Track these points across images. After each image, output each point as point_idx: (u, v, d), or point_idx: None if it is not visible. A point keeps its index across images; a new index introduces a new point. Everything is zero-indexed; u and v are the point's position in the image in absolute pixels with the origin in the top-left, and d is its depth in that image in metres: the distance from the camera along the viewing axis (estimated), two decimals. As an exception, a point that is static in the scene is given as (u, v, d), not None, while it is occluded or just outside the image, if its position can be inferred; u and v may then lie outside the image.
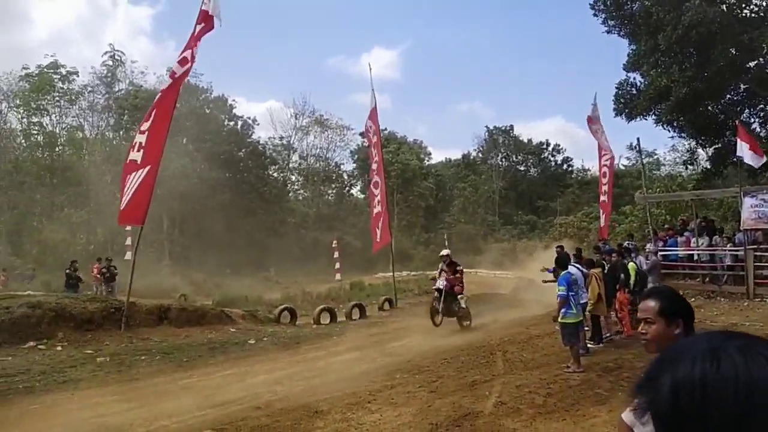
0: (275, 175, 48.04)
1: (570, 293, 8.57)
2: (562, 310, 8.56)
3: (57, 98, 37.19)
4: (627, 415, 2.14)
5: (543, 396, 7.08)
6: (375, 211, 19.97)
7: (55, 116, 37.99)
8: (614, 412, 6.24)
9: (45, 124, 37.72)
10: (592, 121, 18.55)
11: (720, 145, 21.88)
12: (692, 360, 0.76)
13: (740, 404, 0.70)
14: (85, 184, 34.04)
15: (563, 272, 8.84)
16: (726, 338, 0.78)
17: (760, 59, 19.23)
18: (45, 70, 36.28)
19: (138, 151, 12.69)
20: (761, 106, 21.74)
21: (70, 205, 33.60)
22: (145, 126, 12.90)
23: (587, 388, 7.40)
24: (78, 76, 37.70)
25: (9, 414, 7.13)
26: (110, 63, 39.99)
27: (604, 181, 19.05)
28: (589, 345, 9.83)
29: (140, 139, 12.85)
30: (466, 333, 12.72)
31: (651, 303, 2.27)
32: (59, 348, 10.79)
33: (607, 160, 19.02)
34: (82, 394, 8.09)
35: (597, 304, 10.04)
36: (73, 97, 37.95)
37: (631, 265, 11.32)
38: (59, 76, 36.79)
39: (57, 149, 37.86)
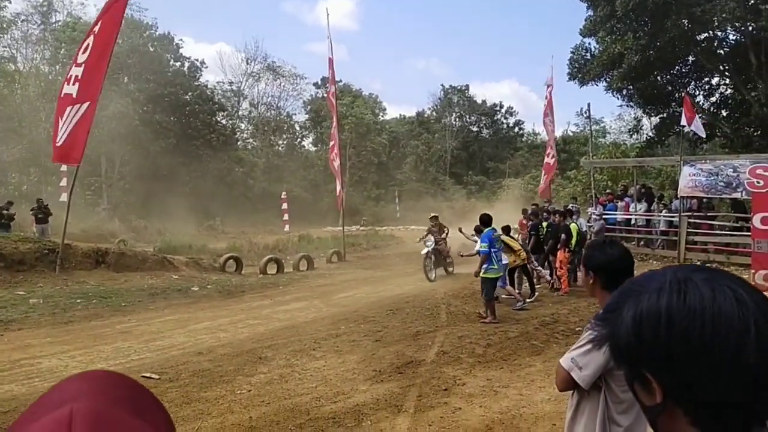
0: (224, 122, 46.07)
1: (492, 250, 8.83)
2: (484, 266, 8.82)
3: (-15, 26, 34.26)
4: (565, 361, 2.19)
5: (483, 347, 7.32)
6: (336, 163, 19.79)
7: (-17, 45, 35.13)
8: (549, 362, 6.54)
9: (-28, 54, 34.85)
10: (550, 88, 19.37)
11: (665, 115, 22.72)
12: (657, 291, 0.73)
13: (706, 338, 0.67)
14: (18, 120, 31.88)
15: (486, 229, 9.06)
16: (692, 270, 0.74)
17: (710, 32, 19.80)
18: (-29, -7, 33.20)
19: (73, 84, 11.80)
20: (707, 78, 22.55)
21: (1, 142, 31.47)
22: (82, 58, 11.96)
23: (524, 340, 7.71)
24: (10, 2, 34.68)
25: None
26: (47, -9, 36.95)
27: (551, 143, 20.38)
28: (527, 301, 10.22)
29: (76, 71, 11.89)
30: (412, 287, 12.91)
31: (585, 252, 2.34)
32: (-13, 289, 10.30)
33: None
34: (12, 335, 7.78)
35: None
36: (5, 26, 34.94)
37: (573, 226, 11.69)
38: (-12, 1, 33.79)
39: (-15, 81, 35.14)
